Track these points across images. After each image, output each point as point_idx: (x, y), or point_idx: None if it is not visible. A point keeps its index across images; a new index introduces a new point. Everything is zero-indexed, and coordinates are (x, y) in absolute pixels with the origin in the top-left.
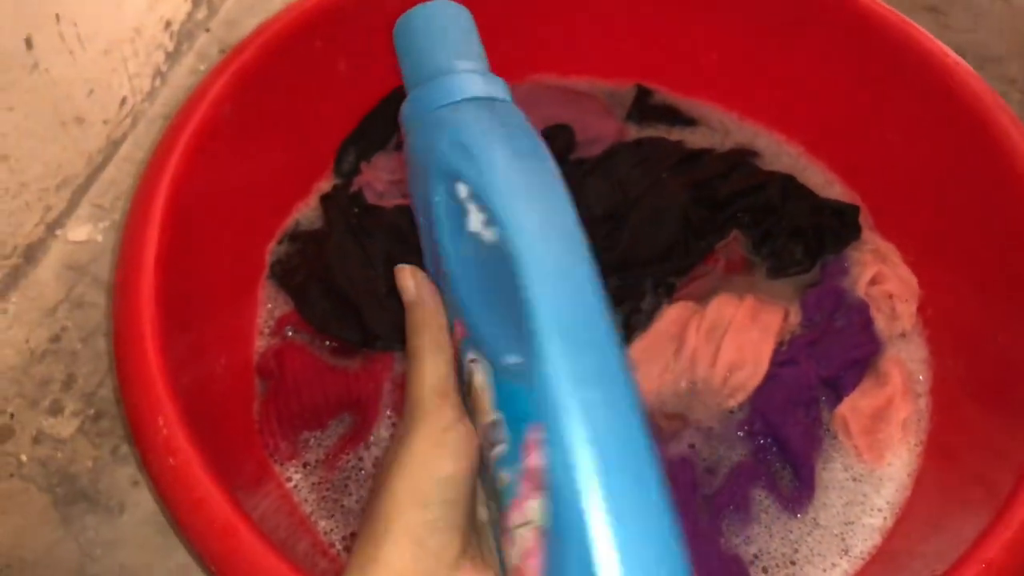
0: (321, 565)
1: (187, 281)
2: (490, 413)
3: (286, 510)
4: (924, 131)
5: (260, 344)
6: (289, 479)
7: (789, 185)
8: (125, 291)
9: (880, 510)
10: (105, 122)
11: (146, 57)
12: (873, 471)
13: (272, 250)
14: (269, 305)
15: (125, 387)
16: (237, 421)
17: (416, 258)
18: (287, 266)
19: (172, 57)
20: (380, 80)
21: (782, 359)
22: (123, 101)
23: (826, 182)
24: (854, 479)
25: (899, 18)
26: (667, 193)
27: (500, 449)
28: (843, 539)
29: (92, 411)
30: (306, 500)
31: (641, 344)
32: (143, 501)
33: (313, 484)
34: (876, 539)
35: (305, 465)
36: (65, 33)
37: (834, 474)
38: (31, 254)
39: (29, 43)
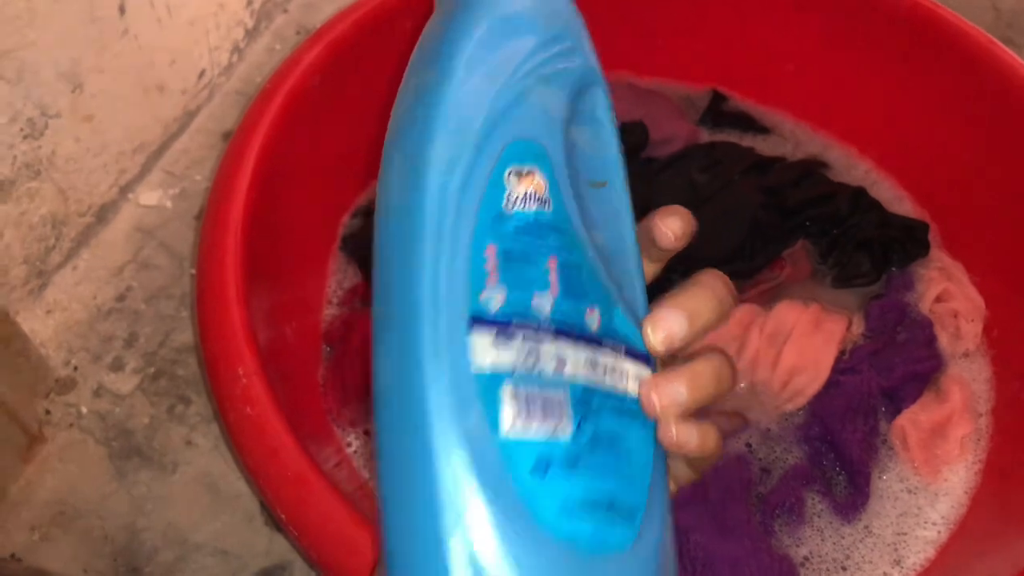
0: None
1: (267, 242)
2: None
3: (346, 473)
4: (1001, 153)
5: (328, 313)
6: (349, 444)
7: (860, 197)
8: (212, 242)
9: (935, 524)
10: (183, 92)
11: (227, 32)
12: (929, 485)
13: (345, 223)
14: (339, 276)
15: (206, 336)
16: (302, 385)
17: None
18: (359, 239)
19: (251, 34)
20: None
21: (843, 367)
22: (202, 73)
23: (896, 198)
24: (909, 491)
25: (985, 38)
26: (738, 196)
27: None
28: (896, 549)
29: (152, 370)
30: (365, 467)
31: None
32: (195, 461)
33: (372, 452)
34: (930, 552)
35: (366, 432)
36: (155, 1)
37: (889, 484)
38: (103, 214)
39: (122, 8)
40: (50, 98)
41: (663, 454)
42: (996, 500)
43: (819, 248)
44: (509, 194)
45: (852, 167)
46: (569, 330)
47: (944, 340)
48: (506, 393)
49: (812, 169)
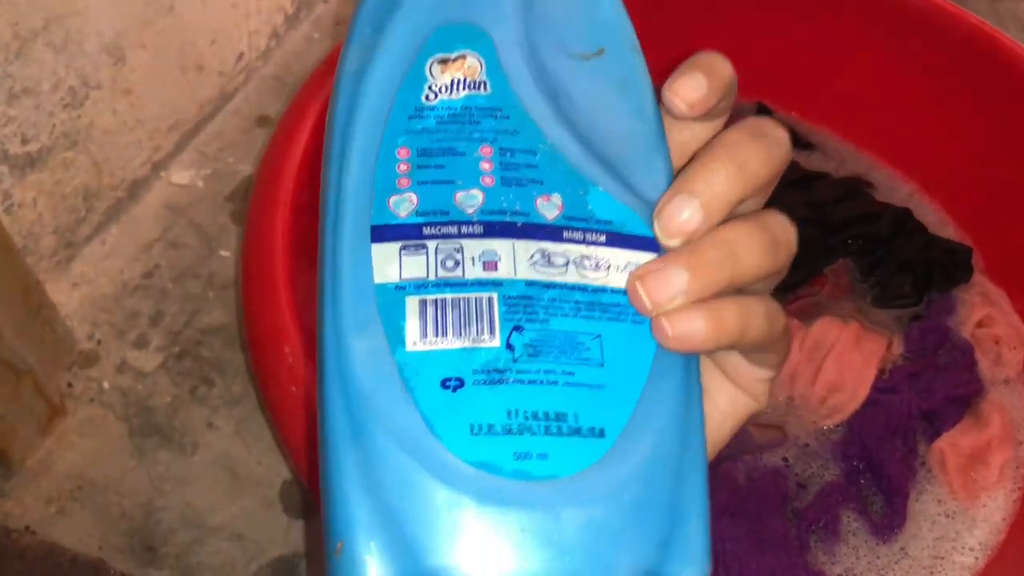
0: None
1: (314, 224)
2: None
3: None
4: None
5: None
6: None
7: (903, 219)
8: (260, 221)
9: (972, 549)
10: (221, 73)
11: (267, 17)
12: (967, 510)
13: None
14: None
15: (252, 315)
16: None
17: None
18: None
19: (290, 21)
20: None
21: (882, 386)
22: (240, 56)
23: (939, 222)
24: (946, 515)
25: None
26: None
27: None
28: (932, 572)
29: (176, 349)
30: None
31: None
32: (216, 443)
33: None
34: None
35: None
36: None
37: (926, 507)
38: (134, 190)
39: None
40: (92, 69)
41: (683, 358)
42: None
43: (860, 267)
44: (431, 85)
45: (896, 188)
46: (508, 223)
47: (985, 366)
48: (411, 305)
49: (856, 188)
